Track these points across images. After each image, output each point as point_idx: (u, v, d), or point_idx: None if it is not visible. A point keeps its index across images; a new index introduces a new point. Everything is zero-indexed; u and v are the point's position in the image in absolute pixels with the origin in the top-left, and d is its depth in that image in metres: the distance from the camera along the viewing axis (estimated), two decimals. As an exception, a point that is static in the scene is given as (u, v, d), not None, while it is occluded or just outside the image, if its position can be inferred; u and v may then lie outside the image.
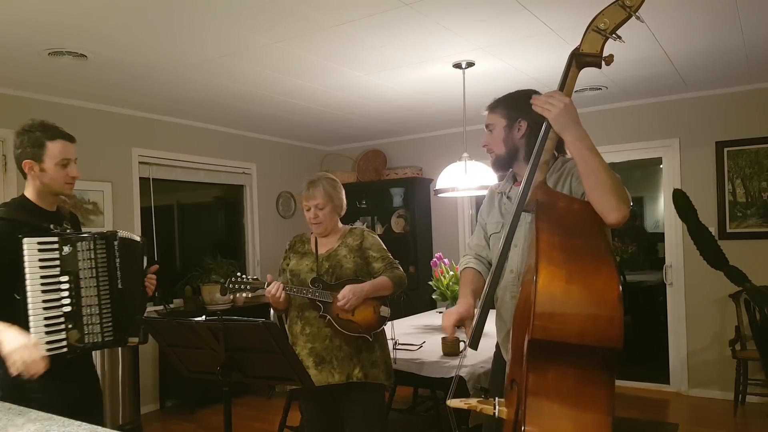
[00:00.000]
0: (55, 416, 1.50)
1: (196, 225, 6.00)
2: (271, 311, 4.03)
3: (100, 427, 1.39)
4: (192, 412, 4.85)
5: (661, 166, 5.29)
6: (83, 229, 2.24)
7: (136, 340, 2.17)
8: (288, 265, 2.65)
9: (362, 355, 2.48)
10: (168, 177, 5.26)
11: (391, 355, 2.73)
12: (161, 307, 4.98)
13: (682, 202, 3.59)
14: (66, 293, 1.99)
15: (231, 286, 2.48)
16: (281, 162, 6.39)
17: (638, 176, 8.06)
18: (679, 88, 4.72)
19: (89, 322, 2.03)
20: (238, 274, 2.53)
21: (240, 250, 6.05)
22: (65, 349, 1.97)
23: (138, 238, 2.24)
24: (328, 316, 2.43)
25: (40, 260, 1.95)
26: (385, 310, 2.55)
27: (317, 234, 2.62)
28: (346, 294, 2.41)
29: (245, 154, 5.96)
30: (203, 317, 1.93)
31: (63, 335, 1.97)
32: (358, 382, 2.45)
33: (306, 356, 2.46)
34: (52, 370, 1.79)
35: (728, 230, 4.77)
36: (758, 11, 3.12)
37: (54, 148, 2.04)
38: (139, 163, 4.98)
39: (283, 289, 2.45)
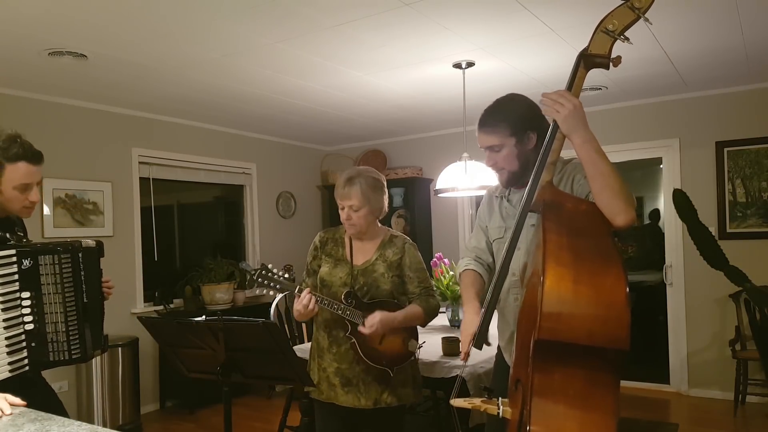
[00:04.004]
0: (55, 416, 1.50)
1: (196, 225, 6.00)
2: (272, 311, 4.02)
3: (100, 427, 1.39)
4: (192, 412, 4.84)
5: (661, 166, 5.30)
6: (46, 240, 2.07)
7: (99, 351, 2.06)
8: (318, 267, 2.41)
9: (393, 378, 2.28)
10: (168, 177, 5.26)
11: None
12: (161, 307, 4.98)
13: (682, 202, 3.58)
14: (28, 310, 1.85)
15: (260, 280, 2.23)
16: (281, 162, 6.38)
17: (638, 176, 8.07)
18: (679, 88, 4.72)
19: (54, 340, 1.89)
20: (269, 266, 2.26)
21: (240, 250, 6.05)
22: (27, 368, 1.86)
23: (94, 243, 2.06)
24: (354, 339, 2.24)
25: None
26: (413, 345, 2.34)
27: (351, 235, 2.39)
28: (375, 324, 2.18)
29: (245, 154, 5.96)
30: (203, 317, 1.92)
31: (24, 353, 1.85)
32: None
33: (333, 375, 2.31)
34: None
35: (728, 230, 4.77)
36: (758, 11, 3.12)
37: (13, 172, 1.87)
38: (139, 163, 4.97)
39: (316, 300, 2.21)
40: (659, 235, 7.24)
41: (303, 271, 2.51)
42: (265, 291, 2.24)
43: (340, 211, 2.34)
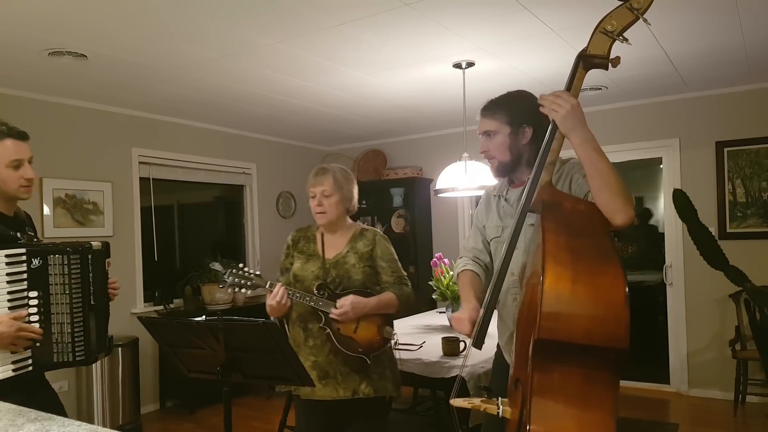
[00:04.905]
0: (55, 416, 1.50)
1: (196, 225, 6.00)
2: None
3: (100, 427, 1.39)
4: (192, 412, 4.85)
5: (661, 166, 5.30)
6: (57, 241, 2.03)
7: (103, 354, 2.06)
8: (291, 265, 2.45)
9: (369, 368, 2.29)
10: (168, 177, 5.26)
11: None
12: (161, 307, 4.98)
13: (682, 202, 3.59)
14: (35, 309, 1.86)
15: (230, 278, 2.26)
16: (281, 162, 6.39)
17: (638, 176, 8.06)
18: (679, 88, 4.72)
19: (59, 341, 1.90)
20: (240, 265, 2.31)
21: (240, 250, 6.05)
22: (30, 368, 1.86)
23: (101, 244, 2.06)
24: (328, 330, 2.26)
25: (8, 274, 1.82)
26: (389, 332, 2.35)
27: (322, 225, 2.41)
28: (345, 305, 2.21)
29: (245, 154, 5.96)
30: (203, 317, 1.92)
31: (29, 353, 1.86)
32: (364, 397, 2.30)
33: (309, 369, 2.24)
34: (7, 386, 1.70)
35: (728, 230, 4.77)
36: (758, 11, 3.12)
37: (2, 150, 1.88)
38: (139, 163, 4.97)
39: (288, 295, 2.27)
40: (654, 235, 7.28)
41: None
42: (237, 290, 2.28)
43: (310, 200, 2.39)
